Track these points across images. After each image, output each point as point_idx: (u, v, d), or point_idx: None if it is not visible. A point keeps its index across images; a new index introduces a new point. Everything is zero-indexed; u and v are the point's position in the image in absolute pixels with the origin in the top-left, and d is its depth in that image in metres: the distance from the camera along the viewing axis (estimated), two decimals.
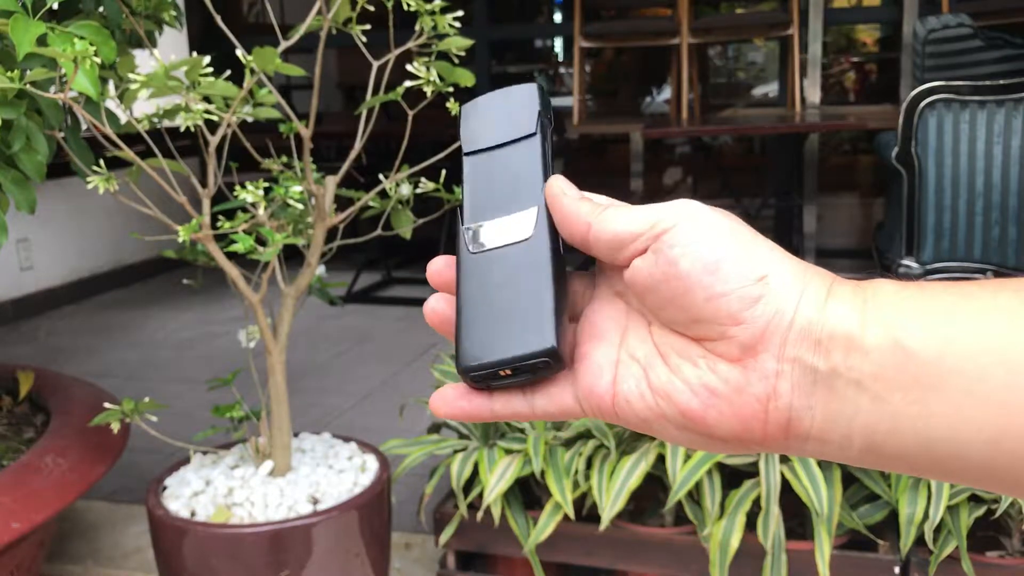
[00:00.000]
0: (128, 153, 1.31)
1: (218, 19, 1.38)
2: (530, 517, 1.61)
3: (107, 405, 1.51)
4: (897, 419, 0.32)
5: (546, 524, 1.56)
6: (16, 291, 4.13)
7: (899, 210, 2.85)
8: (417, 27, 1.38)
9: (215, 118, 1.35)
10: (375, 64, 1.44)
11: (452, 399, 0.40)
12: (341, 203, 1.54)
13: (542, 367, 0.38)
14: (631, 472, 1.52)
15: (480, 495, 1.60)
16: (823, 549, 1.45)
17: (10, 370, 1.96)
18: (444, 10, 1.37)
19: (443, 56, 1.40)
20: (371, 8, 1.37)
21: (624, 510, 1.55)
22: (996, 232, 2.70)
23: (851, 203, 5.64)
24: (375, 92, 1.42)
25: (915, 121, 2.71)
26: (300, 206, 1.49)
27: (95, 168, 1.36)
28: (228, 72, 1.37)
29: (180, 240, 1.36)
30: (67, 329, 3.96)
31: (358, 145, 1.48)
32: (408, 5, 1.34)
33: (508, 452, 1.61)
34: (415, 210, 1.57)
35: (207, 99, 1.36)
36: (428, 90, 1.38)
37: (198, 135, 1.43)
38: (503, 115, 0.44)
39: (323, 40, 1.39)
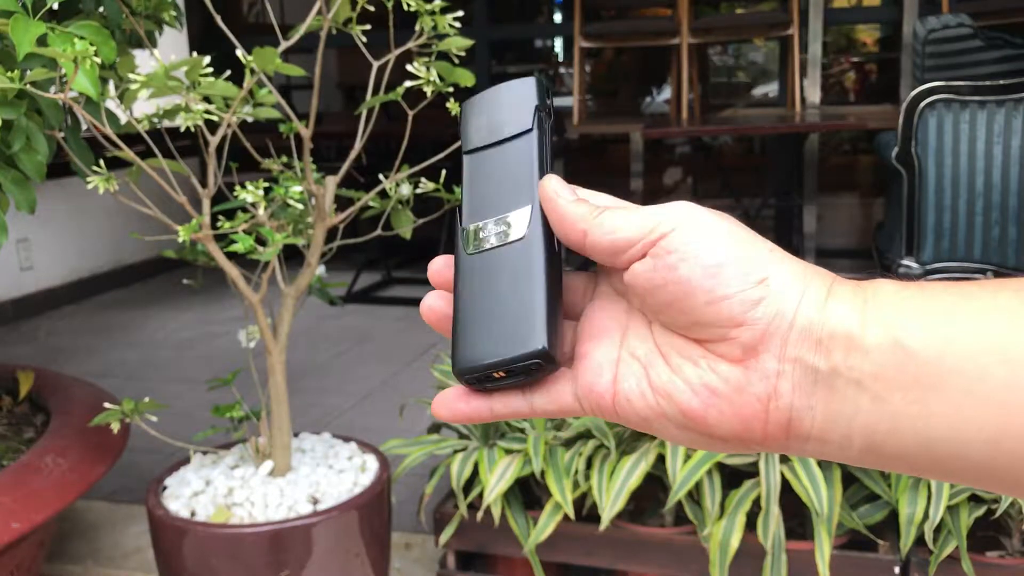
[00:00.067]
0: (128, 153, 1.31)
1: (218, 19, 1.38)
2: (530, 517, 1.61)
3: (107, 405, 1.51)
4: (897, 419, 0.32)
5: (546, 524, 1.56)
6: (16, 291, 4.13)
7: (899, 210, 2.85)
8: (417, 27, 1.38)
9: (215, 118, 1.35)
10: (375, 64, 1.44)
11: (452, 402, 0.40)
12: (341, 203, 1.54)
13: (535, 368, 0.38)
14: (631, 472, 1.52)
15: (480, 495, 1.60)
16: (823, 549, 1.45)
17: (10, 370, 1.96)
18: (444, 10, 1.37)
19: (443, 56, 1.40)
20: (371, 8, 1.37)
21: (624, 510, 1.55)
22: (996, 232, 2.70)
23: (851, 203, 5.64)
24: (375, 92, 1.42)
25: (915, 121, 2.71)
26: (300, 206, 1.49)
27: (95, 168, 1.36)
28: (228, 72, 1.37)
29: (180, 240, 1.36)
30: (67, 329, 3.96)
31: (358, 145, 1.48)
32: (408, 5, 1.34)
33: (508, 452, 1.61)
34: (415, 210, 1.57)
35: (207, 99, 1.36)
36: (428, 90, 1.38)
37: (198, 135, 1.43)
38: (501, 111, 0.43)
39: (323, 40, 1.39)
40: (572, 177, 0.41)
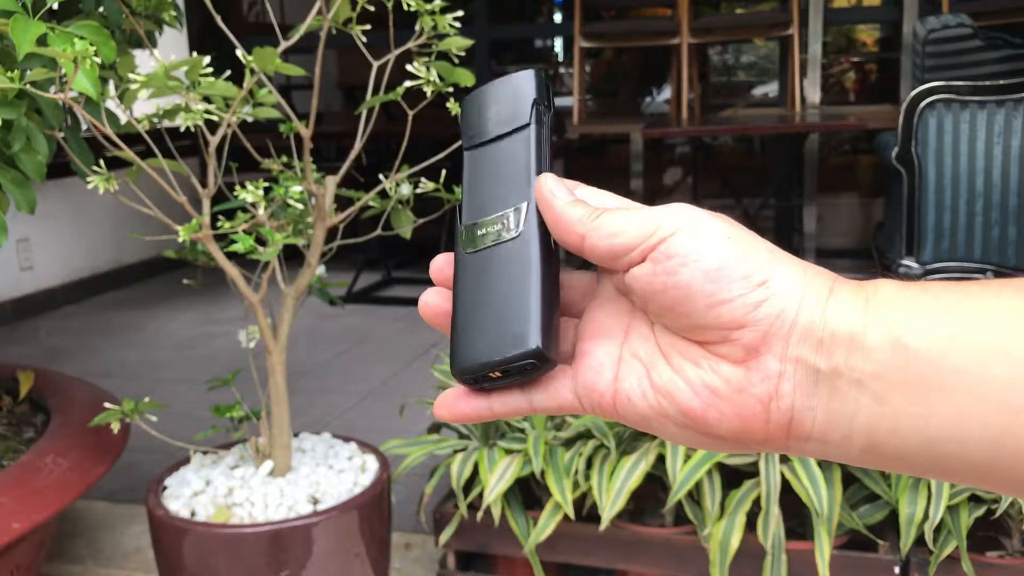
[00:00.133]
0: (128, 153, 1.31)
1: (218, 19, 1.38)
2: (530, 517, 1.61)
3: (107, 405, 1.51)
4: (898, 419, 0.32)
5: (546, 524, 1.56)
6: (16, 291, 4.13)
7: (899, 210, 2.85)
8: (417, 27, 1.38)
9: (215, 118, 1.35)
10: (375, 64, 1.44)
11: (452, 403, 0.40)
12: (341, 203, 1.54)
13: (530, 368, 0.38)
14: (631, 472, 1.52)
15: (480, 495, 1.60)
16: (823, 549, 1.45)
17: (10, 370, 1.96)
18: (444, 10, 1.37)
19: (443, 56, 1.40)
20: (371, 8, 1.37)
21: (624, 510, 1.55)
22: (996, 232, 2.70)
23: (851, 203, 5.64)
24: (375, 92, 1.42)
25: (915, 121, 2.71)
26: (300, 206, 1.49)
27: (95, 168, 1.36)
28: (228, 72, 1.37)
29: (180, 240, 1.36)
30: (67, 329, 3.96)
31: (358, 145, 1.48)
32: (408, 5, 1.34)
33: (508, 452, 1.61)
34: (415, 210, 1.57)
35: (207, 99, 1.36)
36: (428, 90, 1.38)
37: (198, 135, 1.43)
38: (500, 106, 0.42)
39: (323, 40, 1.39)
40: (572, 177, 0.41)
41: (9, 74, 1.06)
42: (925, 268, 2.78)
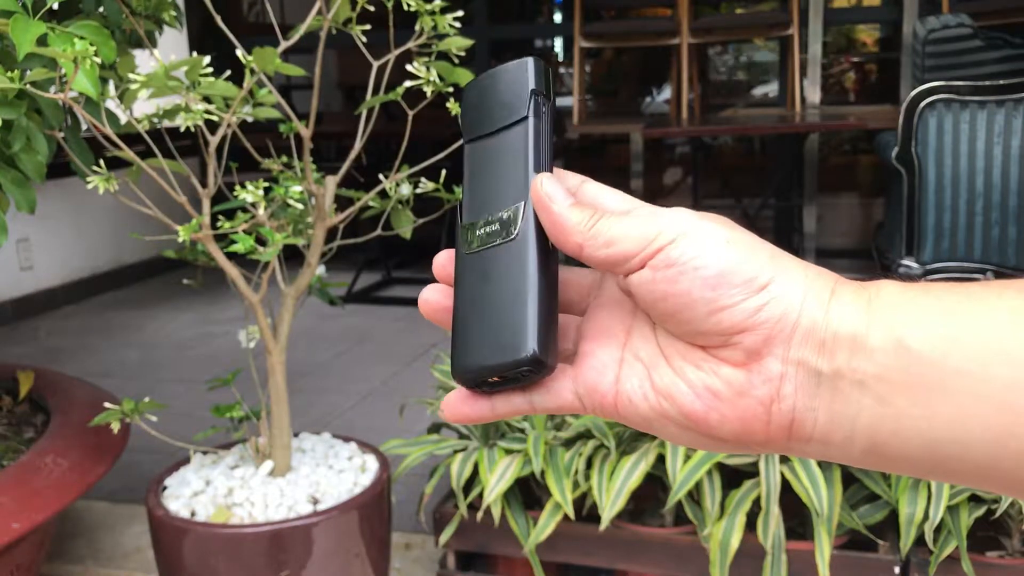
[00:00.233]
0: (128, 153, 1.31)
1: (218, 19, 1.38)
2: (530, 517, 1.61)
3: (107, 405, 1.50)
4: (900, 420, 0.32)
5: (546, 524, 1.56)
6: (16, 291, 4.13)
7: (899, 210, 2.85)
8: (417, 27, 1.38)
9: (215, 118, 1.35)
10: (375, 64, 1.44)
11: (455, 405, 0.40)
12: (341, 203, 1.54)
13: (527, 375, 0.37)
14: (631, 472, 1.52)
15: (480, 495, 1.60)
16: (823, 549, 1.45)
17: (10, 370, 1.96)
18: (444, 10, 1.37)
19: (443, 56, 1.40)
20: (371, 8, 1.37)
21: (624, 510, 1.55)
22: (996, 232, 2.70)
23: (851, 203, 5.64)
24: (375, 92, 1.42)
25: (915, 121, 2.71)
26: (300, 206, 1.49)
27: (95, 168, 1.36)
28: (228, 72, 1.37)
29: (180, 240, 1.36)
30: (67, 329, 3.96)
31: (358, 145, 1.48)
32: (408, 5, 1.34)
33: (508, 452, 1.61)
34: (415, 210, 1.57)
35: (207, 99, 1.36)
36: (428, 90, 1.38)
37: (198, 135, 1.43)
38: (499, 97, 0.41)
39: (323, 40, 1.39)
40: None
41: (9, 74, 1.06)
42: (925, 268, 2.78)
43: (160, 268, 4.80)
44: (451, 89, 1.38)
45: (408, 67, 1.38)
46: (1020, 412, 0.30)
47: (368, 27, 1.40)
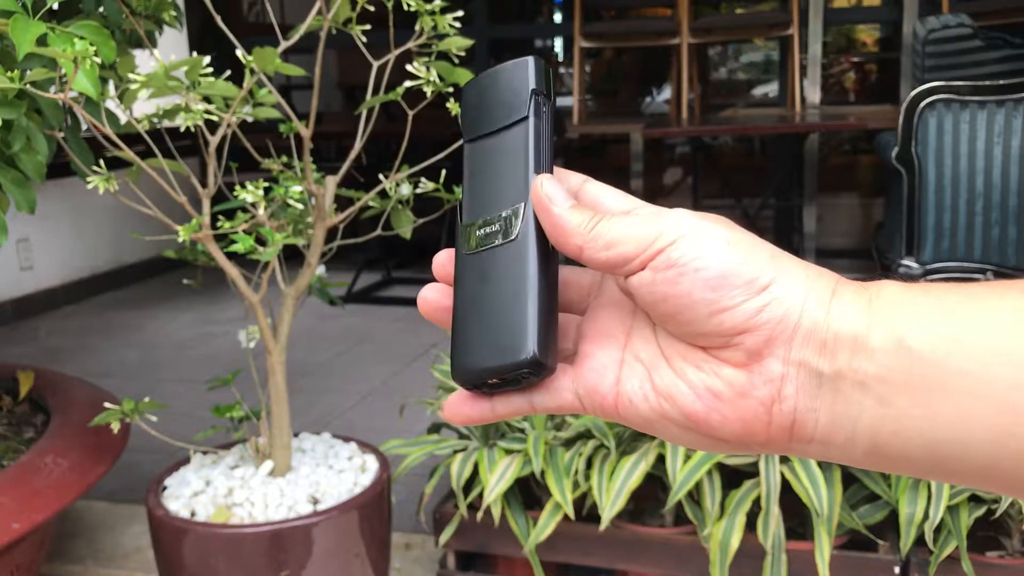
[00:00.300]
0: (128, 153, 1.31)
1: (218, 19, 1.38)
2: (530, 517, 1.61)
3: (107, 405, 1.50)
4: (902, 421, 0.32)
5: (546, 524, 1.56)
6: (16, 291, 4.13)
7: (899, 210, 2.85)
8: (417, 27, 1.38)
9: (215, 118, 1.35)
10: (375, 64, 1.44)
11: (457, 406, 0.40)
12: (341, 203, 1.54)
13: (527, 377, 0.37)
14: (631, 472, 1.52)
15: (480, 495, 1.60)
16: (823, 549, 1.45)
17: (10, 370, 1.96)
18: (444, 10, 1.37)
19: (443, 56, 1.40)
20: (371, 8, 1.37)
21: (624, 510, 1.55)
22: (996, 232, 2.70)
23: (851, 203, 5.64)
24: (375, 92, 1.42)
25: (915, 121, 2.71)
26: (300, 206, 1.49)
27: (95, 168, 1.36)
28: (228, 72, 1.37)
29: (180, 240, 1.36)
30: (67, 329, 3.96)
31: (358, 145, 1.48)
32: (408, 5, 1.34)
33: (508, 452, 1.61)
34: (415, 210, 1.57)
35: (207, 99, 1.36)
36: (428, 90, 1.38)
37: (198, 135, 1.43)
38: (499, 96, 0.40)
39: (323, 40, 1.39)
40: None
41: (9, 74, 1.06)
42: (925, 268, 2.78)
43: (160, 268, 4.80)
44: (451, 89, 1.38)
45: (408, 67, 1.38)
46: (1020, 412, 0.30)
47: (368, 27, 1.40)
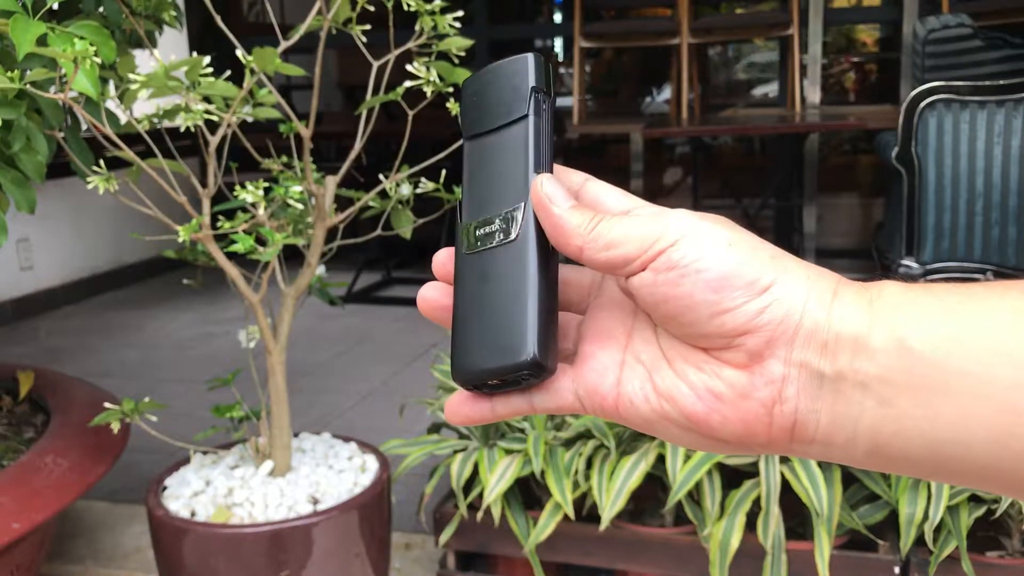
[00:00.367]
0: (128, 153, 1.31)
1: (218, 19, 1.38)
2: (530, 517, 1.61)
3: (107, 405, 1.50)
4: (903, 421, 0.32)
5: (546, 524, 1.56)
6: (16, 291, 4.13)
7: (899, 210, 2.85)
8: (417, 27, 1.38)
9: (215, 118, 1.35)
10: (375, 64, 1.44)
11: (457, 407, 0.40)
12: (341, 203, 1.54)
13: (526, 378, 0.37)
14: (631, 472, 1.52)
15: (480, 495, 1.60)
16: (823, 549, 1.45)
17: (10, 370, 1.96)
18: (444, 10, 1.37)
19: (443, 56, 1.40)
20: (371, 8, 1.37)
21: (624, 510, 1.55)
22: (996, 232, 2.70)
23: (851, 203, 5.64)
24: (375, 92, 1.42)
25: (915, 121, 2.71)
26: (300, 206, 1.49)
27: (95, 168, 1.36)
28: (228, 72, 1.37)
29: (180, 240, 1.36)
30: (67, 329, 3.96)
31: (358, 145, 1.48)
32: (408, 5, 1.34)
33: (508, 452, 1.61)
34: (415, 210, 1.57)
35: (207, 99, 1.36)
36: (428, 90, 1.38)
37: (198, 135, 1.43)
38: (498, 93, 0.40)
39: (323, 40, 1.39)
40: None
41: (9, 74, 1.06)
42: (925, 268, 2.78)
43: (160, 268, 4.80)
44: (451, 89, 1.38)
45: (408, 67, 1.38)
46: (1021, 413, 0.30)
47: (368, 27, 1.40)
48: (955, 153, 2.70)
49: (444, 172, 1.49)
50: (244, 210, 1.46)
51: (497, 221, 0.39)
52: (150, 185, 1.41)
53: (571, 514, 1.52)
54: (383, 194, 1.54)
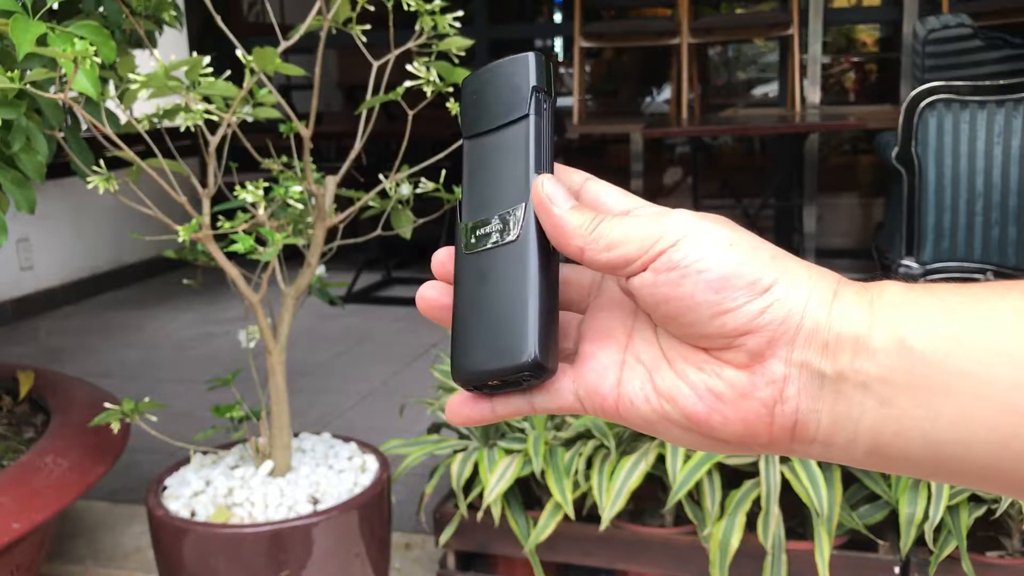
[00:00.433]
0: (128, 153, 1.31)
1: (218, 19, 1.38)
2: (530, 517, 1.61)
3: (107, 405, 1.50)
4: (903, 421, 0.32)
5: (546, 524, 1.56)
6: (16, 291, 4.13)
7: (899, 210, 2.85)
8: (417, 27, 1.38)
9: (215, 118, 1.35)
10: (375, 64, 1.44)
11: (458, 407, 0.40)
12: (341, 203, 1.54)
13: (526, 378, 0.37)
14: (631, 472, 1.52)
15: (480, 495, 1.60)
16: (823, 549, 1.45)
17: (10, 370, 1.96)
18: (444, 10, 1.37)
19: (443, 56, 1.40)
20: (371, 8, 1.37)
21: (624, 510, 1.55)
22: (996, 232, 2.70)
23: (851, 203, 5.64)
24: (375, 92, 1.42)
25: (915, 121, 2.71)
26: (300, 206, 1.49)
27: (95, 168, 1.36)
28: (228, 72, 1.37)
29: (180, 240, 1.36)
30: (67, 329, 3.95)
31: (358, 145, 1.48)
32: (408, 5, 1.34)
33: (508, 452, 1.61)
34: (415, 210, 1.57)
35: (207, 99, 1.36)
36: (428, 90, 1.38)
37: (198, 135, 1.43)
38: (499, 92, 0.40)
39: (323, 40, 1.39)
40: None
41: (9, 74, 1.06)
42: (925, 268, 2.78)
43: (160, 268, 4.80)
44: (451, 89, 1.38)
45: (408, 67, 1.38)
46: (1022, 413, 0.30)
47: (368, 27, 1.40)
48: (955, 153, 2.70)
49: (444, 172, 1.49)
50: (244, 210, 1.46)
51: (497, 221, 0.39)
52: (150, 185, 1.41)
53: (571, 514, 1.52)
54: (383, 194, 1.54)
